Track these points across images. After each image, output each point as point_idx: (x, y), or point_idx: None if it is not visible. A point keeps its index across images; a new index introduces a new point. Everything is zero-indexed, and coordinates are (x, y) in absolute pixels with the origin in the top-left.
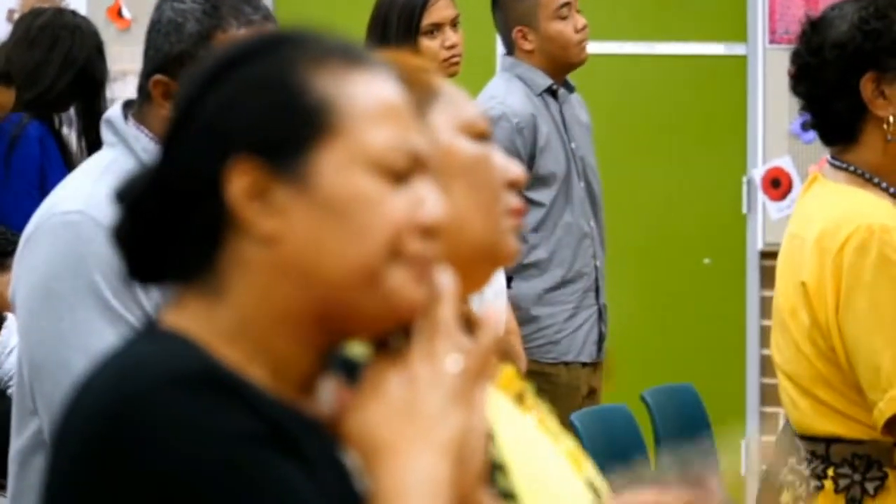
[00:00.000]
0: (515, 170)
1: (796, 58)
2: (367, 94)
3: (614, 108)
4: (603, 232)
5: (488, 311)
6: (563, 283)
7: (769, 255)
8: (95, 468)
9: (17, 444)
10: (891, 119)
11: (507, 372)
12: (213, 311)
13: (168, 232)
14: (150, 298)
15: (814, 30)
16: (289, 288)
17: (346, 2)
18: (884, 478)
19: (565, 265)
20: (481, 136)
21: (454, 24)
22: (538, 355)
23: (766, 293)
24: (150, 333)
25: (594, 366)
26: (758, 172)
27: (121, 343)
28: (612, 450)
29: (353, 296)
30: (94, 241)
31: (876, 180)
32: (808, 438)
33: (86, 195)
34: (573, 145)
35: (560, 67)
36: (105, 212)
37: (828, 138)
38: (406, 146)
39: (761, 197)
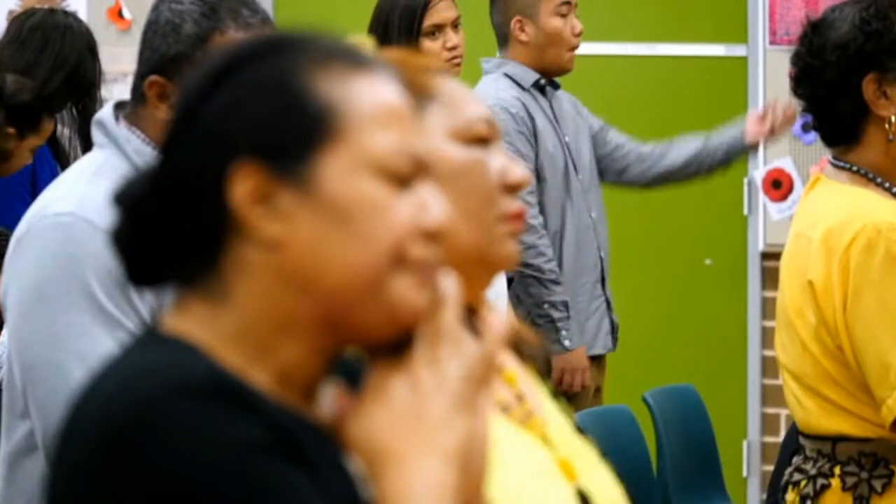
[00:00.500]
0: (517, 172)
1: (797, 59)
2: (371, 98)
3: (615, 109)
4: (605, 223)
5: (493, 315)
6: (570, 277)
7: (770, 255)
8: (101, 477)
9: (6, 447)
10: (893, 119)
11: (508, 374)
12: (215, 315)
13: (169, 235)
14: (144, 301)
15: (815, 31)
16: (292, 293)
17: (347, 3)
18: (891, 475)
19: (571, 259)
20: (481, 140)
21: (455, 25)
22: (549, 352)
23: (768, 294)
24: (154, 338)
25: (599, 362)
26: (759, 173)
27: (124, 347)
28: (614, 451)
29: (357, 301)
30: (87, 242)
31: (878, 180)
32: (814, 437)
33: (78, 197)
34: (567, 139)
35: (548, 65)
36: (98, 213)
37: (829, 139)
38: (409, 150)
39: (762, 198)
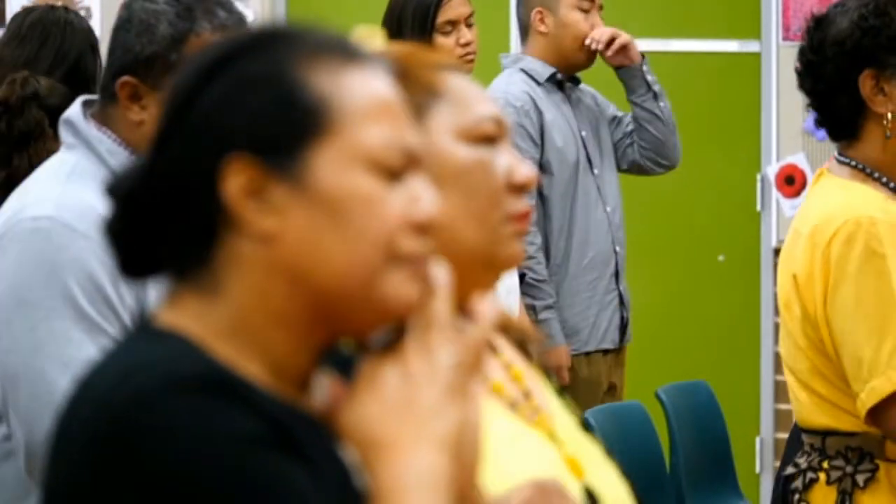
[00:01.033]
0: (523, 172)
1: (800, 55)
2: (363, 92)
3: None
4: (620, 217)
5: (481, 304)
6: (580, 273)
7: None
8: (97, 472)
9: None
10: (889, 115)
11: (514, 371)
12: (208, 308)
13: (162, 228)
14: (124, 305)
15: (817, 27)
16: (285, 286)
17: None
18: (874, 470)
19: (579, 253)
20: (488, 139)
21: (469, 21)
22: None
23: None
24: (147, 332)
25: (616, 357)
26: (772, 169)
27: (118, 342)
28: (627, 448)
29: (348, 294)
30: (67, 247)
31: (877, 175)
32: (808, 431)
33: (54, 200)
34: (583, 133)
35: (565, 59)
36: (76, 217)
37: (832, 135)
38: (401, 143)
39: (775, 194)
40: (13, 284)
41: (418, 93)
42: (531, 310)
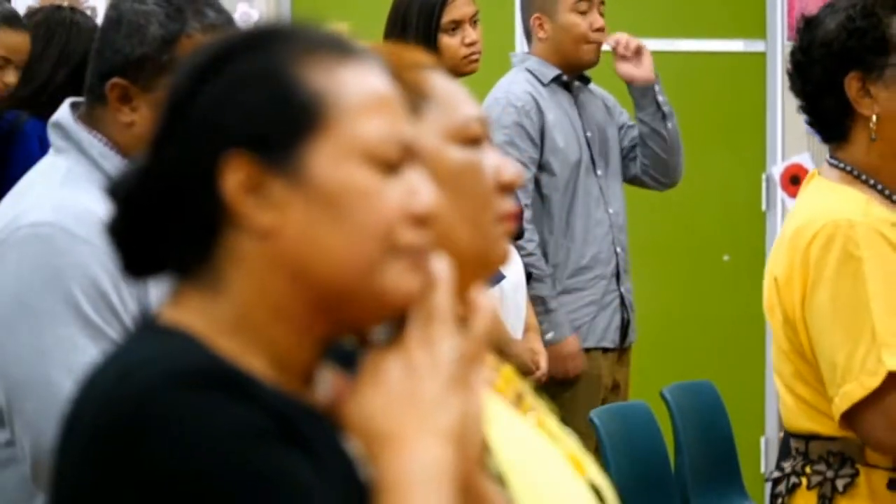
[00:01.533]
0: (510, 171)
1: (791, 56)
2: (358, 87)
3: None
4: (623, 219)
5: (482, 297)
6: (578, 271)
7: None
8: (101, 469)
9: None
10: (874, 118)
11: (506, 372)
12: (211, 304)
13: (163, 226)
14: (126, 309)
15: (806, 28)
16: (286, 281)
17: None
18: (854, 475)
19: (578, 253)
20: (474, 140)
21: (474, 20)
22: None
23: None
24: (151, 329)
25: (619, 356)
26: (777, 169)
27: (122, 340)
28: (632, 447)
29: (349, 287)
30: (68, 252)
31: (864, 177)
32: (794, 435)
33: (53, 206)
34: (588, 134)
35: (569, 61)
36: (75, 222)
37: (823, 137)
38: (396, 136)
39: (780, 194)
40: (15, 292)
41: (405, 94)
42: (540, 302)
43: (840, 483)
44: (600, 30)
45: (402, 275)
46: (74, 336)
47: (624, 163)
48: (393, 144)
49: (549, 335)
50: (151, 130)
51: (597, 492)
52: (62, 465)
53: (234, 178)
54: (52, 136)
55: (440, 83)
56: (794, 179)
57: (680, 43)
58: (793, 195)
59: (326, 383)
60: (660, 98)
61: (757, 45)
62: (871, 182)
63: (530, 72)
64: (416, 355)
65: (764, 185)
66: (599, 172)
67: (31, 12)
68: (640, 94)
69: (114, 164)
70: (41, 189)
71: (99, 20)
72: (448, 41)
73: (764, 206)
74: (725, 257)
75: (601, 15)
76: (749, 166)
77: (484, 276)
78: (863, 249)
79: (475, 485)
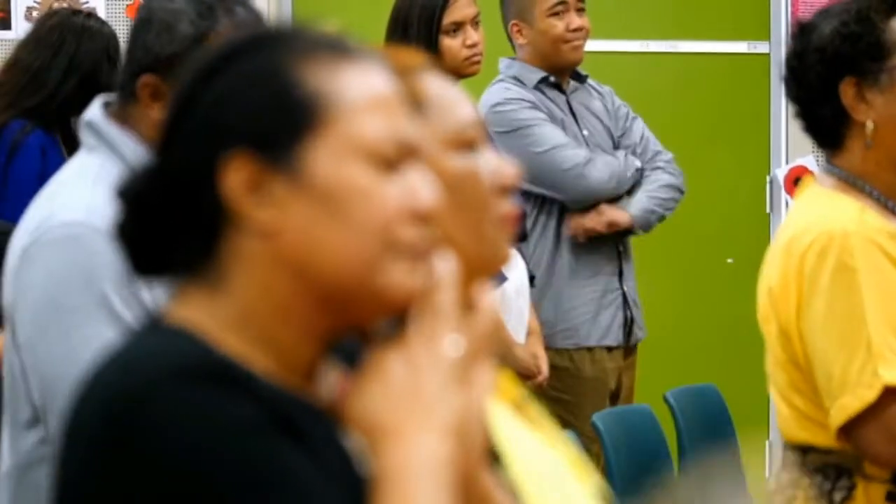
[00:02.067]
0: (509, 172)
1: (786, 62)
2: (357, 86)
3: (636, 107)
4: None
5: (485, 294)
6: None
7: None
8: (103, 461)
9: (12, 459)
10: (869, 124)
11: (505, 378)
12: (215, 302)
13: (168, 226)
14: (155, 302)
15: (801, 33)
16: (287, 279)
17: (366, 1)
18: (852, 487)
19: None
20: (471, 145)
21: (475, 22)
22: (559, 342)
23: None
24: (154, 327)
25: (624, 358)
26: (781, 172)
27: (126, 337)
28: (635, 451)
29: (350, 285)
30: (99, 251)
31: (860, 185)
32: (790, 446)
33: (84, 205)
34: (585, 133)
35: (552, 63)
36: (106, 220)
37: (819, 143)
38: (397, 135)
39: (784, 196)
40: (47, 291)
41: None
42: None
43: (837, 496)
44: (578, 29)
45: (403, 272)
46: (106, 334)
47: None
48: (393, 143)
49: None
50: (159, 131)
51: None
52: (66, 458)
53: (236, 177)
54: (84, 134)
55: (435, 87)
56: (798, 182)
57: (683, 44)
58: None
59: (330, 379)
60: (640, 232)
61: (761, 47)
62: (867, 189)
63: (515, 78)
64: (417, 351)
65: (768, 187)
66: None
67: (46, 16)
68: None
69: (144, 160)
70: (73, 188)
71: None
72: (449, 43)
73: (768, 209)
74: (729, 260)
75: (580, 13)
76: (753, 168)
77: (485, 279)
78: (858, 260)
79: (477, 480)
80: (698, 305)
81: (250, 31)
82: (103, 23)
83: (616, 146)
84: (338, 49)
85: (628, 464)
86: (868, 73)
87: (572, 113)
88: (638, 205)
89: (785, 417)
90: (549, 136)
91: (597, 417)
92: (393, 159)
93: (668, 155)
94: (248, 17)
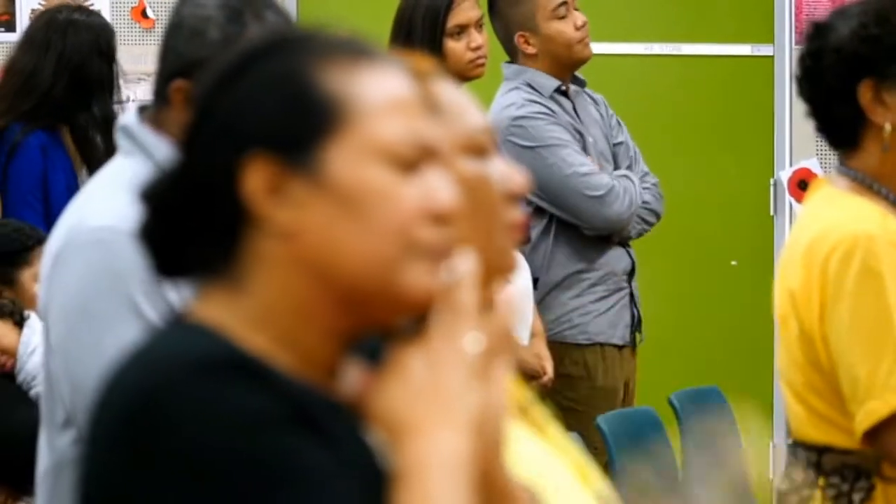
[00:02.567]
0: (518, 179)
1: (800, 61)
2: (376, 88)
3: (640, 109)
4: None
5: (505, 292)
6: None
7: None
8: (125, 456)
9: (48, 459)
10: (887, 127)
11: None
12: (236, 302)
13: (190, 228)
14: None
15: (817, 33)
16: (307, 280)
17: (370, 3)
18: (870, 489)
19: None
20: (482, 151)
21: (479, 25)
22: (570, 338)
23: None
24: (177, 325)
25: (631, 357)
26: (785, 174)
27: (149, 335)
28: (639, 453)
29: (369, 286)
30: (128, 256)
31: (876, 187)
32: (804, 446)
33: (115, 210)
34: (590, 139)
35: (565, 67)
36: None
37: (832, 143)
38: (415, 136)
39: (788, 199)
40: (77, 295)
41: None
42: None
43: (856, 496)
44: (583, 25)
45: (422, 273)
46: (134, 337)
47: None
48: (412, 144)
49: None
50: (181, 135)
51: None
52: (89, 455)
53: (256, 179)
54: (120, 139)
55: (446, 92)
56: (801, 184)
57: (687, 47)
58: (801, 200)
59: (351, 376)
60: None
61: (765, 49)
62: (883, 192)
63: (529, 84)
64: (438, 349)
65: (772, 189)
66: None
67: (37, 17)
68: None
69: None
70: (105, 193)
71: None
72: (453, 46)
73: (772, 211)
74: (733, 262)
75: (576, 9)
76: (757, 171)
77: (493, 286)
78: (883, 263)
79: (495, 477)
80: (702, 307)
81: (269, 35)
82: (91, 13)
83: (613, 155)
84: (356, 51)
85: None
86: (887, 75)
87: (580, 120)
88: None
89: (800, 418)
90: (576, 159)
91: (601, 419)
92: (412, 160)
93: (655, 179)
94: (277, 20)
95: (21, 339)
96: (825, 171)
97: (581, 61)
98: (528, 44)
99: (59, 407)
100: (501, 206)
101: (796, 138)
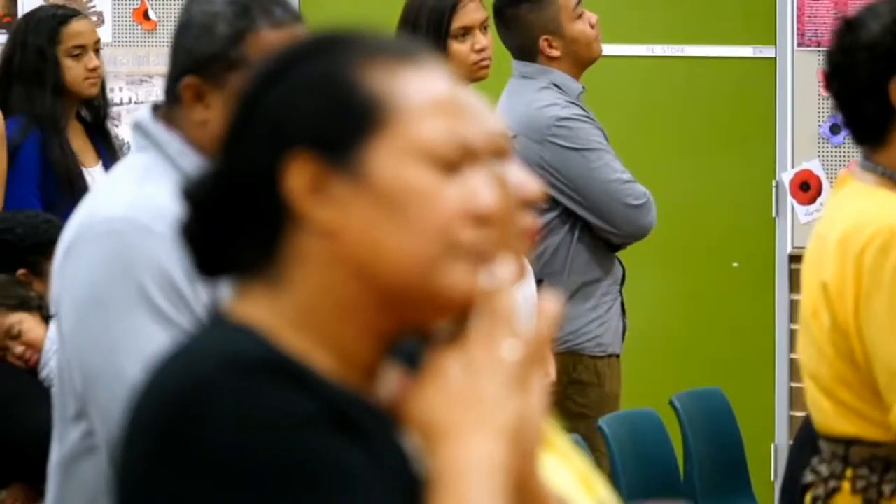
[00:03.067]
0: (532, 187)
1: (829, 57)
2: (418, 89)
3: (642, 111)
4: None
5: (545, 301)
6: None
7: (798, 258)
8: (163, 451)
9: (59, 452)
10: None
11: None
12: (276, 301)
13: (231, 226)
14: (198, 301)
15: (847, 29)
16: (348, 279)
17: (375, 4)
18: None
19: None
20: (499, 155)
21: (484, 27)
22: (587, 350)
23: (796, 297)
24: (216, 323)
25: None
26: (787, 176)
27: (191, 332)
28: (641, 455)
29: (409, 285)
30: (139, 246)
31: None
32: (830, 439)
33: (128, 201)
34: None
35: (582, 67)
36: (149, 216)
37: (858, 139)
38: (457, 137)
39: (790, 200)
40: (89, 285)
41: None
42: None
43: (887, 488)
44: (597, 23)
45: (463, 274)
46: (146, 327)
47: None
48: (454, 145)
49: None
50: (222, 134)
51: None
52: (126, 451)
53: (298, 178)
54: (134, 136)
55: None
56: (803, 186)
57: (689, 48)
58: (803, 202)
59: (389, 380)
60: None
61: (767, 51)
62: None
63: (556, 85)
64: (476, 354)
65: (774, 191)
66: None
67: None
68: None
69: (191, 161)
70: (120, 186)
71: (104, 27)
72: (458, 47)
73: (774, 213)
74: (735, 264)
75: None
76: (758, 172)
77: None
78: None
79: (531, 484)
80: (704, 309)
81: (312, 37)
82: (42, 9)
83: None
84: (399, 52)
85: (634, 468)
86: None
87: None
88: None
89: (825, 411)
90: (618, 166)
91: (602, 422)
92: (454, 161)
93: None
94: (285, 16)
95: (48, 334)
96: (827, 173)
97: (595, 59)
98: (552, 47)
99: (70, 400)
100: (515, 212)
101: (798, 140)
